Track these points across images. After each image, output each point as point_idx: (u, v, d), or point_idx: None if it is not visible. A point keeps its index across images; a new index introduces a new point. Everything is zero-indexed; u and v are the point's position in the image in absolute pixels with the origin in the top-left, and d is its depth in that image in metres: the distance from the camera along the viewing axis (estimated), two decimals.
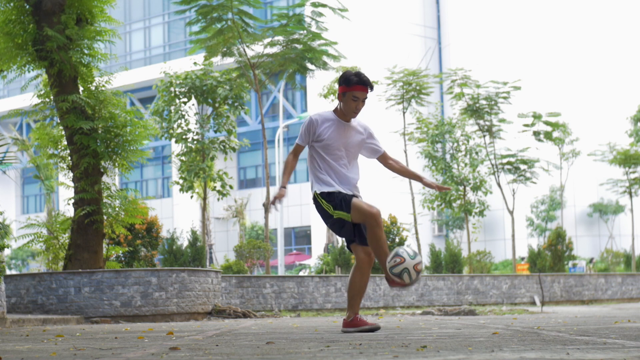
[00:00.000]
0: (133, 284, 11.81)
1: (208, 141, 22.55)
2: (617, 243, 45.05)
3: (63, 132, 13.01)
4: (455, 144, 27.08)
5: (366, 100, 6.66)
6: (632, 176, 31.12)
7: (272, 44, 20.30)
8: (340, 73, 23.68)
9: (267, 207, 20.42)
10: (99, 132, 12.70)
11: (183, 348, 4.91)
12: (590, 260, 37.74)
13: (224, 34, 19.85)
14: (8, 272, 43.20)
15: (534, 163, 27.28)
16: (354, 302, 6.75)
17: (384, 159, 6.96)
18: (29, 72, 13.10)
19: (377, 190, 43.49)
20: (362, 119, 7.11)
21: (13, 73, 12.90)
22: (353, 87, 6.59)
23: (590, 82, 45.54)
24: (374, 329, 6.60)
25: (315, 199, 6.71)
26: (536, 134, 28.40)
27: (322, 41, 20.37)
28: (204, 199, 23.79)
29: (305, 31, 20.06)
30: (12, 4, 12.63)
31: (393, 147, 31.88)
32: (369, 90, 6.64)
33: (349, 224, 6.59)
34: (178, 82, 22.08)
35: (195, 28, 21.00)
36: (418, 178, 6.95)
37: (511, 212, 26.79)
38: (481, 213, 27.10)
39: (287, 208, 43.63)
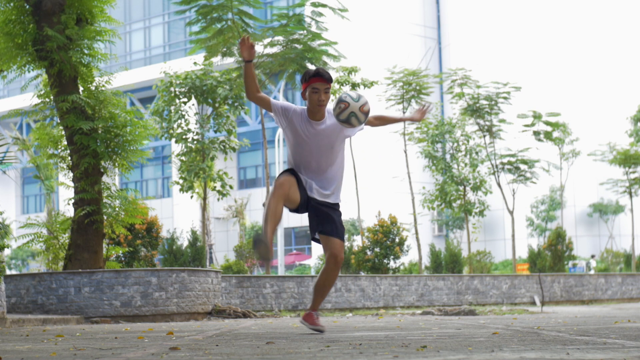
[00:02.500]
0: (133, 284, 11.81)
1: (208, 141, 22.54)
2: (617, 243, 45.05)
3: (63, 132, 13.01)
4: (455, 144, 27.08)
5: (328, 92, 6.43)
6: (632, 176, 31.12)
7: (272, 44, 20.30)
8: (341, 73, 23.80)
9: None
10: (99, 132, 12.69)
11: (183, 348, 4.91)
12: (592, 257, 37.68)
13: (224, 34, 19.85)
14: (8, 272, 43.20)
15: (534, 163, 27.27)
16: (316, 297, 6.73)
17: (373, 120, 6.73)
18: (29, 72, 13.10)
19: (377, 190, 43.50)
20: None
21: (13, 73, 12.89)
22: (310, 80, 6.41)
23: (590, 82, 45.54)
24: (320, 330, 6.59)
25: None
26: (536, 134, 28.40)
27: (322, 41, 20.37)
28: (204, 199, 23.79)
29: (305, 31, 20.06)
30: (12, 4, 12.63)
31: (393, 147, 31.93)
32: (327, 82, 6.40)
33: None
34: (178, 82, 22.08)
35: (195, 28, 21.00)
36: (399, 119, 6.88)
37: (511, 212, 26.79)
38: (481, 213, 27.10)
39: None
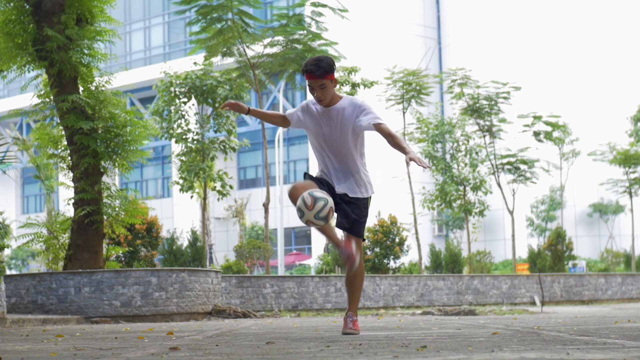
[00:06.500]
0: (133, 284, 11.81)
1: (208, 141, 22.54)
2: (617, 243, 45.04)
3: (63, 132, 13.01)
4: (455, 144, 27.07)
5: (325, 87, 6.21)
6: (632, 176, 31.11)
7: (272, 44, 20.31)
8: (341, 73, 23.80)
9: (267, 207, 20.42)
10: (99, 132, 12.70)
11: (183, 348, 4.91)
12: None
13: (224, 34, 19.86)
14: (8, 272, 43.20)
15: (534, 163, 27.28)
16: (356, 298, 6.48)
17: (380, 132, 6.26)
18: (29, 72, 13.10)
19: (377, 190, 43.47)
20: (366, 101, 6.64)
21: (13, 73, 12.90)
22: (305, 76, 6.25)
23: (590, 82, 45.53)
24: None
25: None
26: (536, 134, 28.39)
27: (322, 41, 20.38)
28: (204, 199, 23.78)
29: (305, 31, 20.07)
30: (12, 4, 12.63)
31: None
32: (319, 78, 6.15)
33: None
34: (178, 82, 22.07)
35: (195, 28, 21.01)
36: (402, 148, 6.18)
37: (511, 212, 26.79)
38: (481, 213, 27.09)
39: (287, 208, 43.61)
